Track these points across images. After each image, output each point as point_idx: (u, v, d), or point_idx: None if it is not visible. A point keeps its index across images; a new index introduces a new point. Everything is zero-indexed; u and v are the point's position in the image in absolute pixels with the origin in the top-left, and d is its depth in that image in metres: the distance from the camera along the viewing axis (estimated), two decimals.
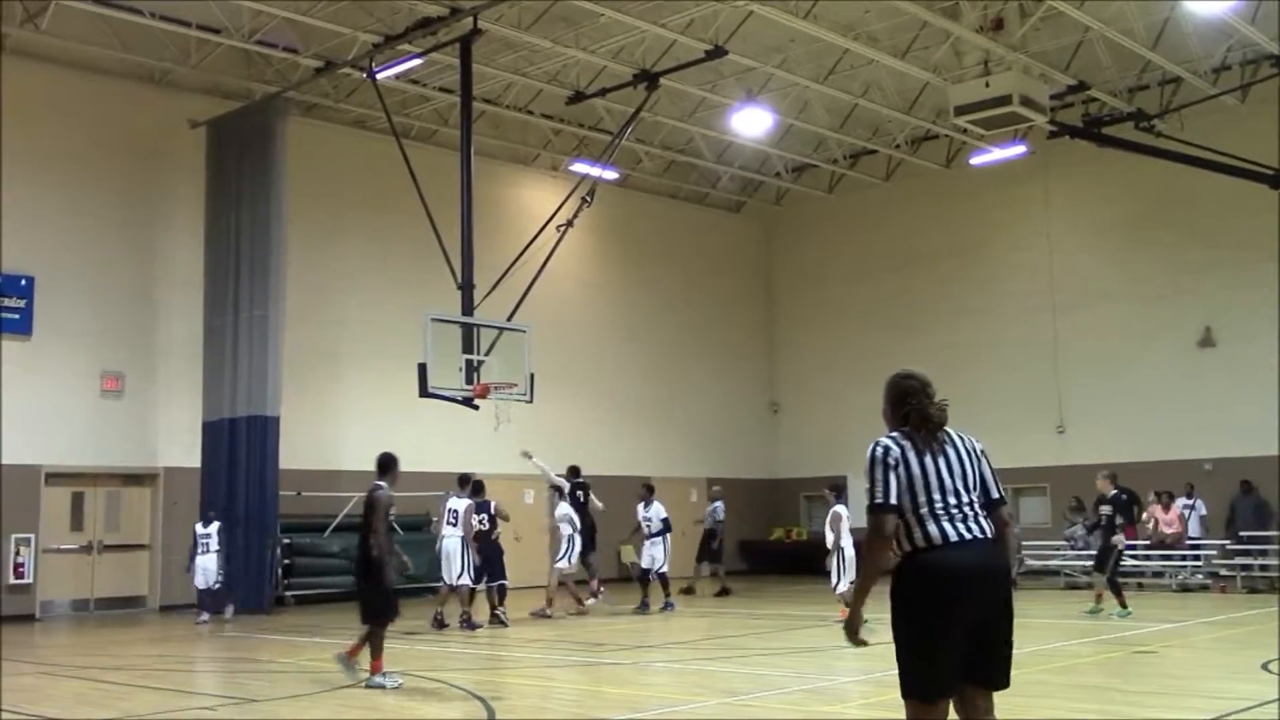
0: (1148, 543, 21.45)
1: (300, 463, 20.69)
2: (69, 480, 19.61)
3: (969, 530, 4.97)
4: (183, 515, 20.22)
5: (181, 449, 20.40)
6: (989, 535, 5.02)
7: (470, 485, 16.64)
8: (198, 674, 12.78)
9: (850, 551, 15.49)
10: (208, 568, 17.94)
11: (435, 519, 22.38)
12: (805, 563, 24.82)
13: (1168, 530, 21.44)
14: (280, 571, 20.18)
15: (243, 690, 10.84)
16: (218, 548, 18.01)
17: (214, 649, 14.87)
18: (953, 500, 5.00)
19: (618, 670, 11.88)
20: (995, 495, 5.15)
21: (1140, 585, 21.11)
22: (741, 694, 9.80)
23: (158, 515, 20.40)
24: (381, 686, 10.00)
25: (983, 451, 5.20)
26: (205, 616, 17.71)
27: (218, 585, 18.08)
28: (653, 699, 9.78)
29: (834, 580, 15.51)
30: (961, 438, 5.19)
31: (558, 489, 18.29)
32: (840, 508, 15.75)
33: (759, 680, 10.73)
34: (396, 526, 21.94)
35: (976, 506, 5.06)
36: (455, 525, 16.28)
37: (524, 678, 11.35)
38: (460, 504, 16.35)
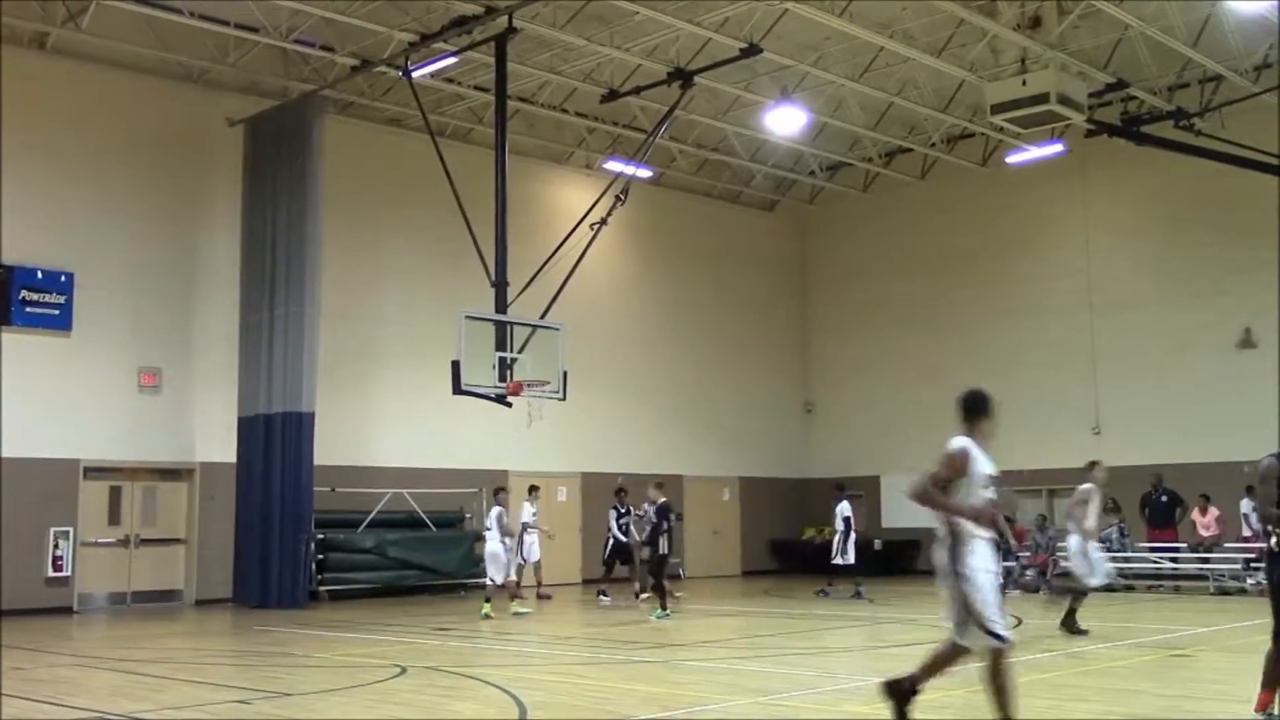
0: (1184, 545, 21.24)
1: (334, 459, 20.84)
2: (107, 474, 19.81)
3: None
4: (219, 510, 20.44)
5: (218, 444, 20.57)
6: None
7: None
8: (233, 668, 12.88)
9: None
10: None
11: (469, 515, 22.53)
12: None
13: (1204, 534, 21.21)
14: (314, 567, 20.32)
15: (277, 684, 10.91)
16: None
17: (249, 644, 14.98)
18: None
19: (649, 668, 11.88)
20: None
21: (1178, 588, 20.91)
22: (773, 693, 9.78)
23: (194, 510, 20.57)
24: None
25: None
26: None
27: None
28: (684, 698, 9.77)
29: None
30: None
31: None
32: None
33: (791, 680, 10.70)
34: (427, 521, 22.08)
35: None
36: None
37: (555, 675, 11.37)
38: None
